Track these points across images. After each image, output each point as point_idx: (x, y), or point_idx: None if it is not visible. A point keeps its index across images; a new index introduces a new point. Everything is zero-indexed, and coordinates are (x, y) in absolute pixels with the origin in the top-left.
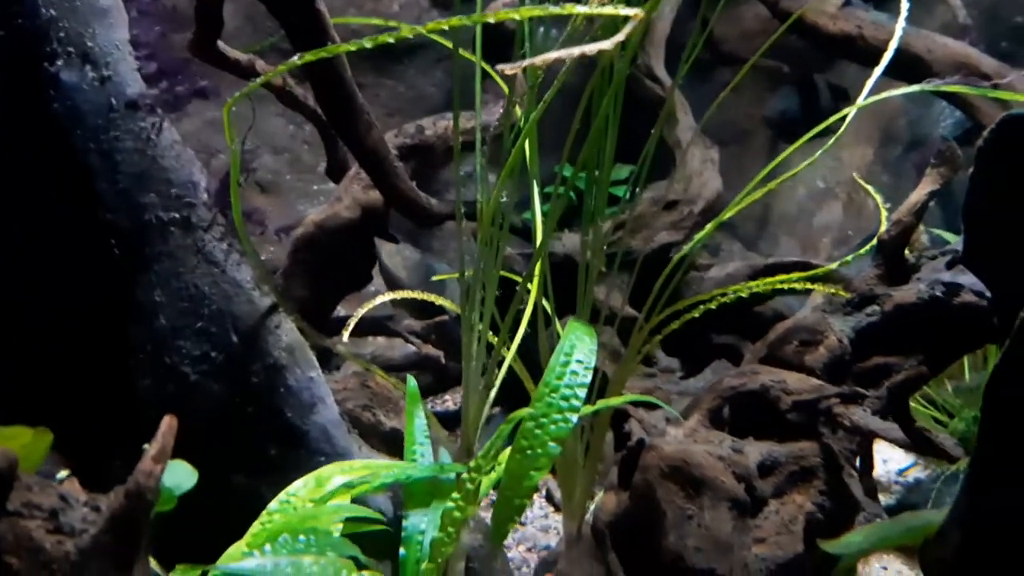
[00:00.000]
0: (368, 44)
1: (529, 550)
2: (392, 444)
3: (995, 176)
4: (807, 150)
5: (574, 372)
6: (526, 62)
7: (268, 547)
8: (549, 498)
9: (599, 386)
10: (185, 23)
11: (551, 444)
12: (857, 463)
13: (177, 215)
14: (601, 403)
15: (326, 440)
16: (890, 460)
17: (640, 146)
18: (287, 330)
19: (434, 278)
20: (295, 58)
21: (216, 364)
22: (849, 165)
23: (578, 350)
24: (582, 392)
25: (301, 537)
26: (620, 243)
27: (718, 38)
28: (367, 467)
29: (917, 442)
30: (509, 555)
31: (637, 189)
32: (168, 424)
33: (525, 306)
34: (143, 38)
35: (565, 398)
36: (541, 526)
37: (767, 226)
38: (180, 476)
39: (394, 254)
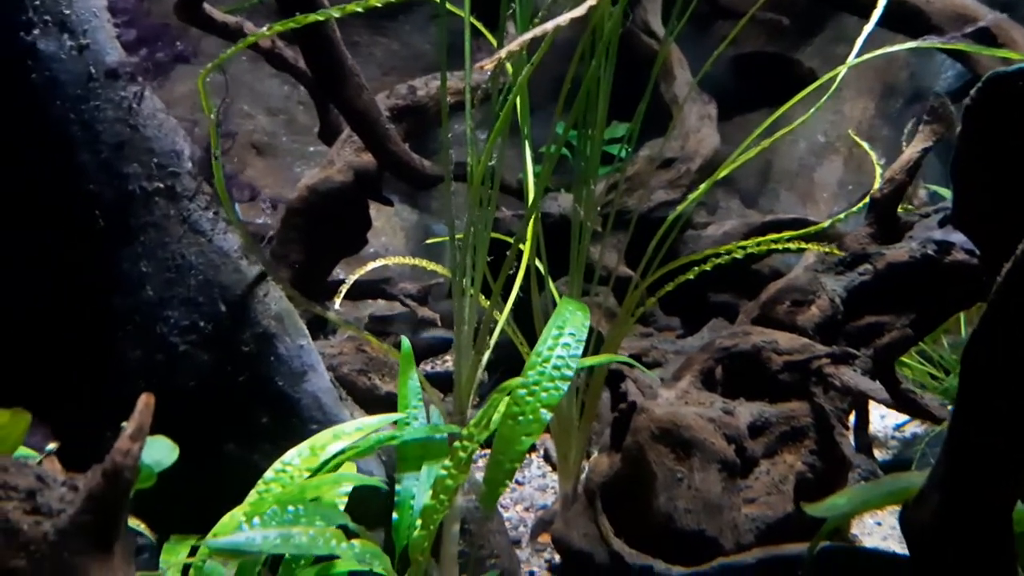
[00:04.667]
0: (359, 8)
1: (527, 510)
2: (388, 408)
3: (983, 134)
4: (810, 105)
5: (566, 344)
6: (503, 52)
7: (257, 520)
8: (547, 458)
9: (594, 346)
10: None
11: (542, 411)
12: (852, 420)
13: (161, 185)
14: (583, 361)
15: (317, 408)
16: (888, 415)
17: (637, 104)
18: (276, 298)
19: (428, 241)
20: (279, 24)
21: (205, 334)
22: (850, 119)
23: (570, 323)
24: (574, 363)
25: (290, 508)
26: (617, 202)
27: None
28: (360, 429)
29: (902, 403)
30: (507, 515)
31: (631, 147)
32: (145, 402)
33: (518, 269)
34: (121, 4)
35: (557, 367)
36: (539, 486)
37: (767, 182)
38: (160, 452)
39: (392, 216)
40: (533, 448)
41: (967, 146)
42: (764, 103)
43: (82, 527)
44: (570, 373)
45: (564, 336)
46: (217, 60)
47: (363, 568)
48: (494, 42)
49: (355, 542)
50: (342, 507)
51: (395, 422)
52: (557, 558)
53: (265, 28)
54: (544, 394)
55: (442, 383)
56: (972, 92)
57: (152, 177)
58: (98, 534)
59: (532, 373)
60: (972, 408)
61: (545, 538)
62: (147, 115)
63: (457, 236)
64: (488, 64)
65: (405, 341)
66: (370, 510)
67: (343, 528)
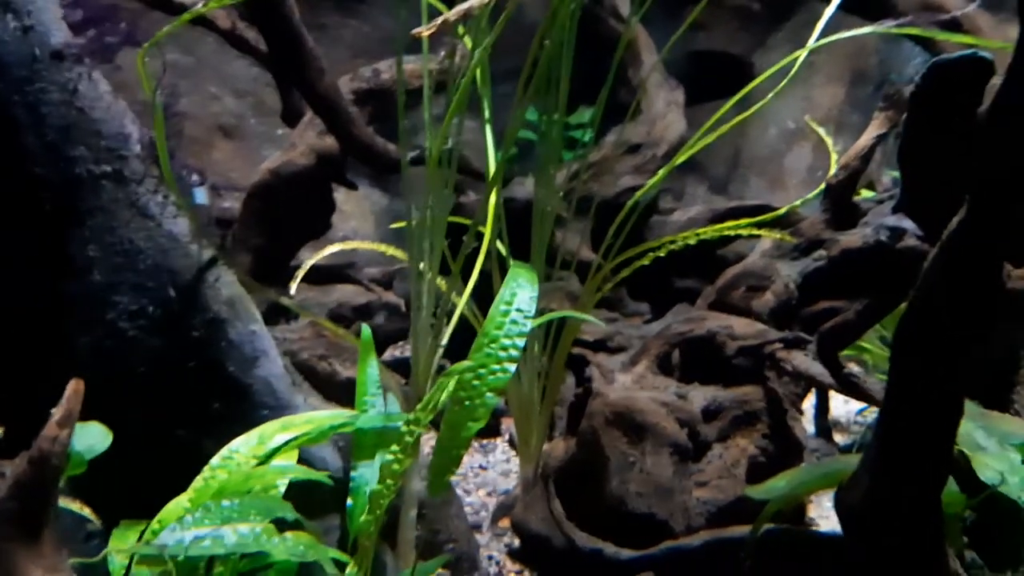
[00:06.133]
0: None
1: (489, 494)
2: (348, 393)
3: (928, 120)
4: (784, 91)
5: (514, 321)
6: (440, 19)
7: (190, 518)
8: (512, 442)
9: (556, 330)
10: None
11: (488, 395)
12: (813, 404)
13: (109, 168)
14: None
15: (269, 393)
16: (851, 400)
17: (601, 88)
18: (227, 283)
19: (393, 226)
20: None
21: (154, 319)
22: (820, 105)
23: (519, 298)
24: (521, 341)
25: (225, 503)
26: (581, 188)
27: None
28: (309, 421)
29: (845, 386)
30: (469, 500)
31: (596, 133)
32: (73, 388)
33: (478, 252)
34: None
35: (504, 348)
36: (502, 470)
37: (737, 168)
38: (92, 439)
39: (362, 200)
40: (498, 432)
41: (913, 132)
42: (721, 96)
43: (8, 514)
44: (516, 354)
45: (512, 313)
46: (154, 39)
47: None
48: (461, 30)
49: (289, 535)
50: (282, 494)
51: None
52: (517, 542)
53: (200, 4)
54: (491, 377)
55: (407, 369)
56: (917, 78)
57: (100, 160)
58: (24, 521)
59: (478, 355)
60: (901, 391)
61: (506, 523)
62: (94, 97)
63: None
64: (424, 31)
65: (365, 328)
66: (325, 497)
67: (281, 520)
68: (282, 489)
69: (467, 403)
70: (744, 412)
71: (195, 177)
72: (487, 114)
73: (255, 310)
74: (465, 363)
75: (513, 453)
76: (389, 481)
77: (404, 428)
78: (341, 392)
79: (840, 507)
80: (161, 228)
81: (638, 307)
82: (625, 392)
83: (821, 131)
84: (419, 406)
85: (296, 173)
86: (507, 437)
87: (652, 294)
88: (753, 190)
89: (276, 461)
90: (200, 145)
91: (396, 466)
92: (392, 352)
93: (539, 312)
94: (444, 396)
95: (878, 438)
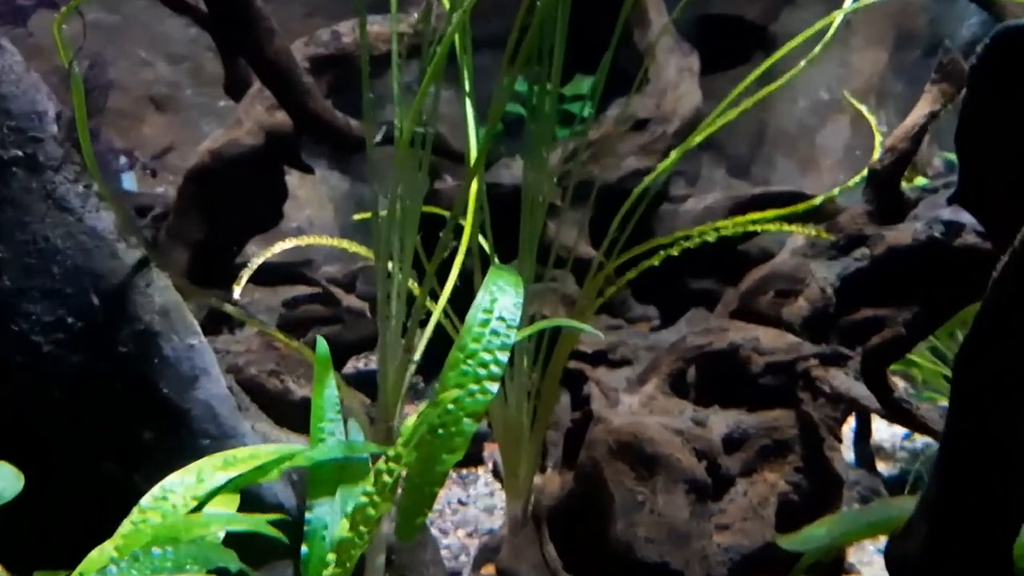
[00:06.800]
0: None
1: (470, 535)
2: (304, 415)
3: (991, 97)
4: (816, 55)
5: (495, 332)
6: None
7: (114, 569)
8: (496, 473)
9: (549, 340)
10: None
11: (466, 421)
12: (852, 427)
13: (20, 152)
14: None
15: (211, 419)
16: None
17: (603, 54)
18: (160, 289)
19: (356, 217)
20: None
21: (74, 331)
22: (858, 72)
23: (500, 304)
24: (504, 356)
25: (155, 551)
26: (578, 171)
27: None
28: (255, 455)
29: (894, 412)
30: (446, 541)
31: (596, 106)
32: None
33: (457, 249)
34: None
35: (483, 364)
36: (485, 506)
37: (761, 146)
38: (1, 482)
39: (319, 184)
40: (480, 460)
41: (974, 110)
42: (738, 64)
43: None
44: (499, 371)
45: (492, 322)
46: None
47: None
48: None
49: None
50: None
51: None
52: None
53: None
54: (468, 399)
55: (373, 384)
56: (979, 49)
57: (8, 143)
58: None
59: (453, 373)
60: (966, 422)
61: (490, 569)
62: (1, 69)
63: (383, 212)
64: None
65: (321, 340)
66: (276, 541)
67: (223, 571)
68: (222, 534)
69: (441, 431)
70: (773, 441)
71: (123, 160)
72: (467, 85)
73: (193, 320)
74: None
75: (498, 486)
76: (363, 528)
77: (381, 466)
78: (296, 414)
79: (892, 559)
80: (82, 223)
81: (645, 311)
82: (632, 417)
83: (864, 109)
84: (400, 440)
85: (241, 154)
86: (491, 466)
87: (662, 296)
88: (780, 173)
89: (216, 504)
90: (127, 119)
91: (371, 510)
92: (355, 364)
93: (528, 320)
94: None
95: (937, 478)
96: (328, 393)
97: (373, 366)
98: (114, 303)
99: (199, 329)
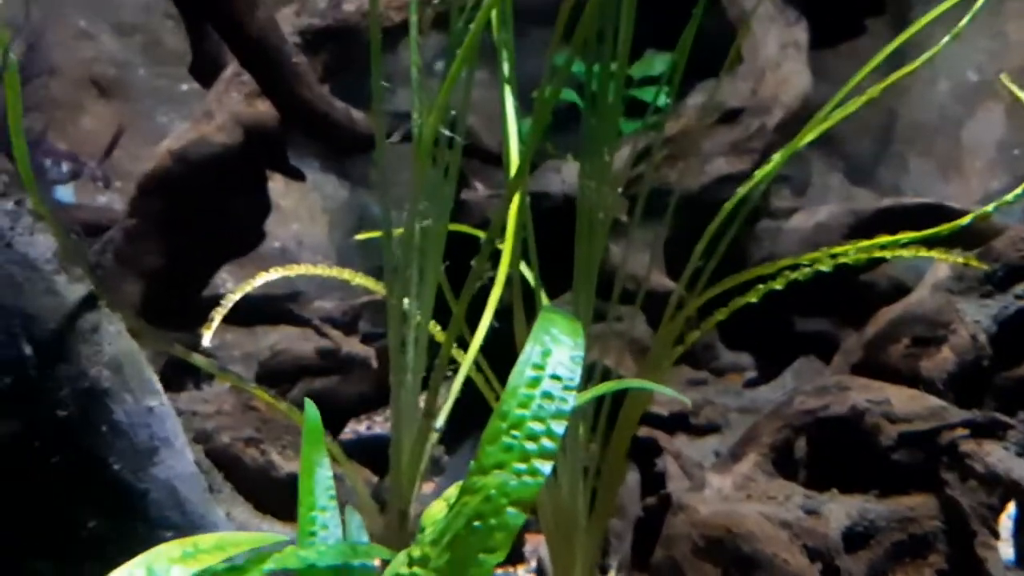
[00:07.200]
0: None
1: None
2: (292, 496)
3: None
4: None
5: (548, 395)
6: None
7: None
8: (540, 572)
9: (612, 400)
10: None
11: (510, 511)
12: (1011, 516)
13: None
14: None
15: (173, 504)
16: None
17: (684, 26)
18: (111, 335)
19: (359, 236)
20: None
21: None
22: (1016, 46)
23: (554, 359)
24: (559, 426)
25: None
26: (651, 177)
27: None
28: (221, 546)
29: None
30: None
31: (675, 92)
32: None
33: (492, 281)
34: None
35: (533, 436)
36: None
37: (889, 143)
38: None
39: (309, 192)
40: (521, 558)
41: None
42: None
43: None
44: (552, 446)
45: (544, 382)
46: None
47: None
48: None
49: None
50: None
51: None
52: None
53: None
54: (514, 483)
55: (380, 453)
56: None
57: None
58: None
59: (493, 447)
60: None
61: None
62: None
63: (397, 231)
64: None
65: (310, 404)
66: None
67: None
68: None
69: (477, 524)
70: (909, 536)
71: (65, 167)
72: (507, 66)
73: (152, 375)
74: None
75: None
76: None
77: (403, 571)
78: (282, 495)
79: None
80: (12, 251)
81: (738, 360)
82: (723, 504)
83: (1020, 90)
84: (426, 535)
85: (212, 156)
86: (534, 565)
87: (760, 341)
88: (915, 179)
89: None
90: (61, 110)
91: None
92: (355, 426)
93: (585, 372)
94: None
95: None
96: (319, 474)
97: (380, 430)
98: (51, 353)
99: (159, 386)
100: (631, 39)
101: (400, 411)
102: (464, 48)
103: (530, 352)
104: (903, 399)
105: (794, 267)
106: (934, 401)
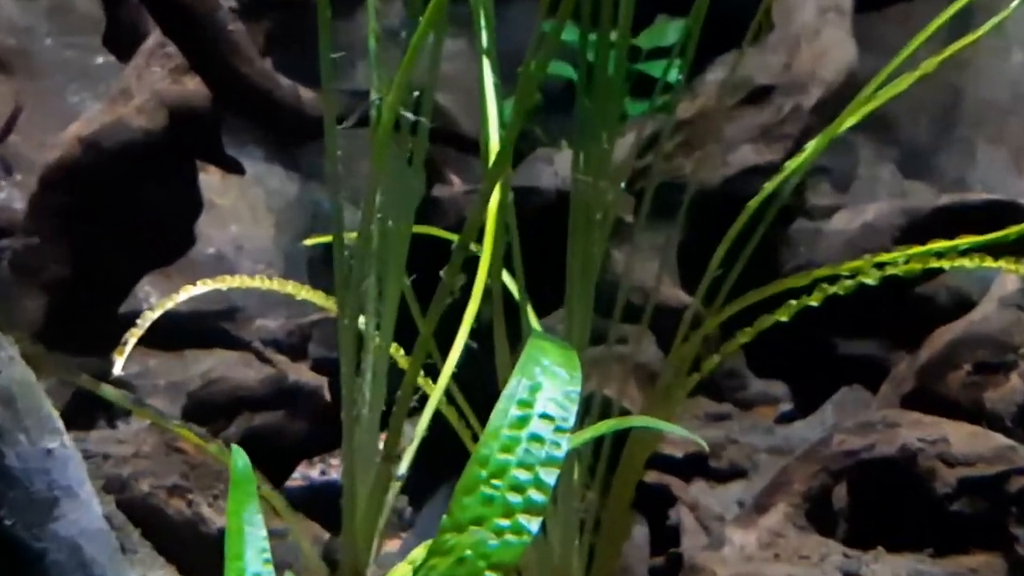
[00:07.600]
0: None
1: None
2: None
3: None
4: None
5: (536, 437)
6: None
7: None
8: None
9: (614, 440)
10: None
11: None
12: None
13: None
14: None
15: (77, 567)
16: None
17: None
18: (3, 362)
19: (308, 242)
20: None
21: None
22: None
23: (545, 394)
24: (550, 475)
25: None
26: (660, 167)
27: None
28: None
29: None
30: None
31: (687, 65)
32: None
33: (468, 293)
34: None
35: (517, 487)
36: None
37: (951, 127)
38: None
39: (251, 186)
40: None
41: None
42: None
43: None
44: (542, 499)
45: (532, 423)
46: None
47: None
48: None
49: None
50: None
51: None
52: None
53: None
54: (493, 541)
55: (332, 503)
56: None
57: None
58: None
59: (471, 499)
60: None
61: None
62: None
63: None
64: None
65: (238, 450)
66: None
67: None
68: None
69: None
70: None
71: None
72: (485, 35)
73: (52, 410)
74: (447, 517)
75: None
76: None
77: None
78: (213, 555)
79: None
80: None
81: (768, 389)
82: (747, 565)
83: None
84: None
85: (131, 143)
86: None
87: (794, 367)
88: (982, 170)
89: None
90: None
91: None
92: (307, 471)
93: (582, 403)
94: None
95: None
96: (250, 533)
97: (333, 475)
98: None
99: (60, 424)
100: (635, 4)
101: (354, 454)
102: (431, 8)
103: (516, 386)
104: (963, 437)
105: (834, 278)
106: (1001, 440)
